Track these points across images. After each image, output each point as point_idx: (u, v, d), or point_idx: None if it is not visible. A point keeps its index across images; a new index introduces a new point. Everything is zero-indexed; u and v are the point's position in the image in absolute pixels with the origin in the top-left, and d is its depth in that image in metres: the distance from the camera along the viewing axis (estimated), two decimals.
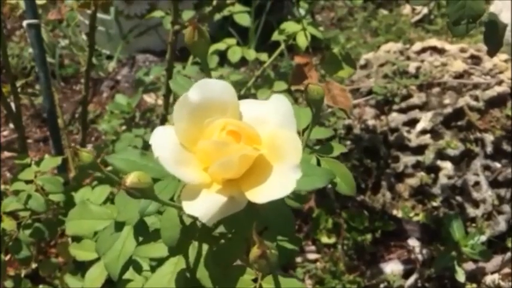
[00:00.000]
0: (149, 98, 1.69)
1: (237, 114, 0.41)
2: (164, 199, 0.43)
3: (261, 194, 0.37)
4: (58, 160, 0.86)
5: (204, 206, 0.37)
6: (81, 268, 0.97)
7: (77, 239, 0.81)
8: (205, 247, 0.45)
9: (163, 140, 0.39)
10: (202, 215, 0.37)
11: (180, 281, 0.44)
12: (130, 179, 0.37)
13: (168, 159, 0.38)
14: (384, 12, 2.10)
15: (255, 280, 0.42)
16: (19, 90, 1.66)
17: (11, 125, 1.60)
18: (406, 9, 2.11)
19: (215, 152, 0.38)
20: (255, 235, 0.36)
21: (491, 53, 0.73)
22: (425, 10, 2.06)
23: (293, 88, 0.89)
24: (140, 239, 0.50)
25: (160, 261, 0.46)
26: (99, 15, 1.71)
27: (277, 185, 0.37)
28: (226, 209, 0.38)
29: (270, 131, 0.40)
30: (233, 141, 0.38)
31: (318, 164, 0.52)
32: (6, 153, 1.53)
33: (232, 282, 0.42)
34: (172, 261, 0.45)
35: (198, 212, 0.37)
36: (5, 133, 1.63)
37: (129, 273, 0.58)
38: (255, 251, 0.36)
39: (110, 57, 1.88)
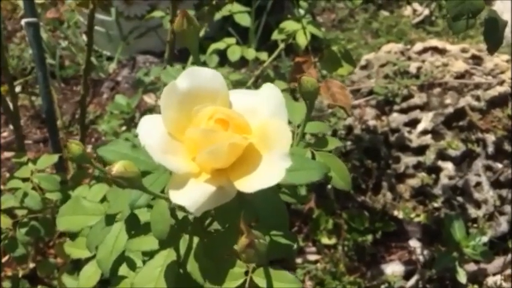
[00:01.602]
0: (149, 99, 1.69)
1: (226, 103, 0.40)
2: (155, 192, 0.42)
3: (250, 183, 0.36)
4: (54, 158, 0.85)
5: (192, 196, 0.36)
6: (79, 268, 0.96)
7: (72, 237, 0.80)
8: (196, 240, 0.45)
9: (151, 129, 0.39)
10: (190, 204, 0.36)
11: (170, 274, 0.43)
12: (117, 167, 0.37)
13: (155, 148, 0.37)
14: (384, 13, 2.10)
15: (246, 273, 0.41)
16: (19, 89, 1.67)
17: (11, 126, 1.60)
18: (407, 10, 2.10)
19: (203, 140, 0.37)
20: (242, 224, 0.35)
21: (491, 50, 0.72)
22: (426, 11, 2.06)
23: (292, 86, 0.88)
24: (132, 233, 0.49)
25: (151, 255, 0.45)
26: (100, 16, 1.71)
27: (266, 174, 0.36)
28: (215, 198, 0.37)
29: (260, 120, 0.39)
30: (221, 130, 0.37)
31: (313, 158, 0.52)
32: (5, 154, 1.53)
33: (222, 274, 0.41)
34: (163, 254, 0.45)
35: (185, 201, 0.36)
36: (4, 134, 1.63)
37: (124, 270, 0.58)
38: (242, 241, 0.36)
39: (110, 59, 1.87)
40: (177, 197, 0.37)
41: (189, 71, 0.39)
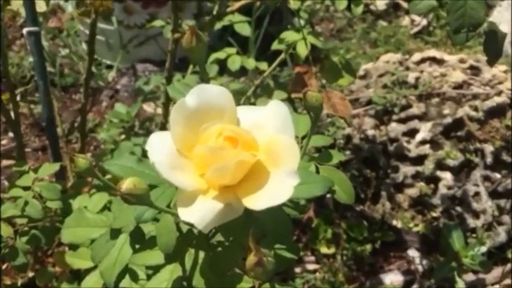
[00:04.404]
0: (148, 108, 1.69)
1: (234, 120, 0.40)
2: (160, 206, 0.43)
3: (258, 200, 0.36)
4: (56, 166, 0.86)
5: (200, 213, 0.37)
6: (77, 277, 0.96)
7: (73, 247, 0.80)
8: (201, 254, 0.45)
9: (160, 146, 0.39)
10: (198, 221, 0.36)
11: None
12: (126, 184, 0.37)
13: (163, 164, 0.37)
14: (383, 23, 2.11)
15: None
16: (18, 98, 1.67)
17: (10, 134, 1.60)
18: (405, 20, 2.12)
19: (211, 157, 0.37)
20: (251, 242, 0.36)
21: (491, 61, 0.73)
22: (424, 22, 2.07)
23: (293, 96, 0.88)
24: (136, 246, 0.50)
25: (157, 269, 0.45)
26: (100, 24, 1.72)
27: (274, 191, 0.36)
28: (223, 215, 0.37)
29: (268, 137, 0.39)
30: (230, 147, 0.38)
31: (317, 171, 0.52)
32: (4, 162, 1.53)
33: None
34: (169, 269, 0.45)
35: (194, 218, 0.36)
36: (3, 142, 1.62)
37: (126, 282, 0.58)
38: (251, 259, 0.36)
39: (109, 67, 1.88)
40: (186, 214, 0.37)
41: (198, 88, 0.40)
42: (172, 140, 0.39)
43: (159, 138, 0.40)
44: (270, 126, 0.40)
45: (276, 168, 0.37)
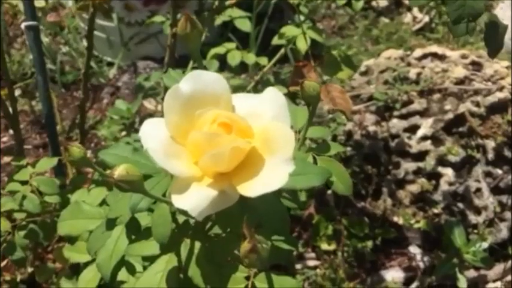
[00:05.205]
0: (149, 104, 1.68)
1: (229, 107, 0.40)
2: (156, 195, 0.42)
3: (253, 187, 0.36)
4: (54, 161, 0.85)
5: (194, 200, 0.36)
6: (77, 273, 0.96)
7: (71, 241, 0.80)
8: (197, 245, 0.44)
9: (153, 132, 0.38)
10: (192, 208, 0.36)
11: (171, 279, 0.43)
12: (119, 171, 0.36)
13: (157, 151, 0.37)
14: (385, 20, 2.10)
15: (247, 278, 0.41)
16: (19, 93, 1.67)
17: (11, 131, 1.60)
18: (407, 17, 2.11)
19: (206, 143, 0.37)
20: (246, 229, 0.35)
21: (492, 54, 0.72)
22: (426, 18, 2.06)
23: (292, 89, 0.88)
24: (132, 238, 0.49)
25: (152, 260, 0.45)
26: (101, 21, 1.71)
27: (269, 178, 0.36)
28: (218, 203, 0.37)
29: (263, 124, 0.39)
30: (224, 133, 0.37)
31: (315, 162, 0.51)
32: (5, 159, 1.53)
33: (224, 280, 0.41)
34: (164, 259, 0.44)
35: (187, 205, 0.36)
36: (4, 139, 1.62)
37: (123, 275, 0.57)
38: (245, 245, 0.35)
39: (110, 64, 1.88)
40: (179, 201, 0.36)
41: (192, 74, 0.39)
42: (166, 127, 0.39)
43: (153, 125, 0.39)
44: (266, 114, 0.39)
45: (271, 155, 0.37)
